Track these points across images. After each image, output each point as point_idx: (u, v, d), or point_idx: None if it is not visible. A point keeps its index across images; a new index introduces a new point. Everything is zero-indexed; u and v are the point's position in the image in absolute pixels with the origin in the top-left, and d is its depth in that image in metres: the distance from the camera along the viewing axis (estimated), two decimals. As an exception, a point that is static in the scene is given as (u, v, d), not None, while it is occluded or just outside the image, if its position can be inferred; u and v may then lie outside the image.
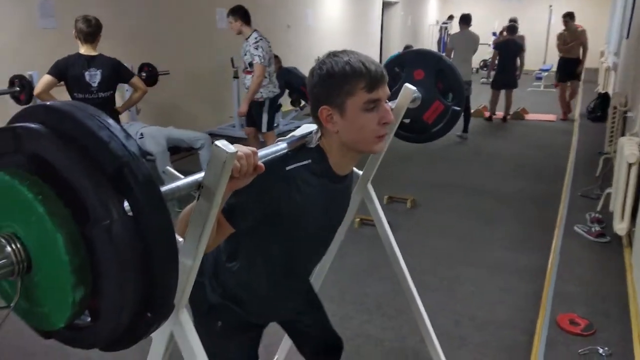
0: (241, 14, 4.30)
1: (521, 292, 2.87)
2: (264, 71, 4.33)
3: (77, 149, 0.57)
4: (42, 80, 3.34)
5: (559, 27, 13.57)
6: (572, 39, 7.82)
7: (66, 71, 3.32)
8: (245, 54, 4.36)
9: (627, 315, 2.61)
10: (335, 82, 1.04)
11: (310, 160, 1.10)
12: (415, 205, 4.24)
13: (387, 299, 2.78)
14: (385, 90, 1.06)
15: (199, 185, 0.82)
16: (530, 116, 8.22)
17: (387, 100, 1.09)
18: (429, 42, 15.22)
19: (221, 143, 0.79)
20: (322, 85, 1.06)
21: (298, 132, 1.13)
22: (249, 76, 4.42)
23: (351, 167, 1.19)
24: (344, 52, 1.06)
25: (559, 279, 2.98)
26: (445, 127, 1.75)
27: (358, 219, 3.67)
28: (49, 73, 3.32)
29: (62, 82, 3.38)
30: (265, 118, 4.53)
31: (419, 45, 11.58)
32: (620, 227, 3.21)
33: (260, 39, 4.29)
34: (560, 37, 7.95)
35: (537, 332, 2.46)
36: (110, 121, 0.59)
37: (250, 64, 4.33)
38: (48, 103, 0.63)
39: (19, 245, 0.60)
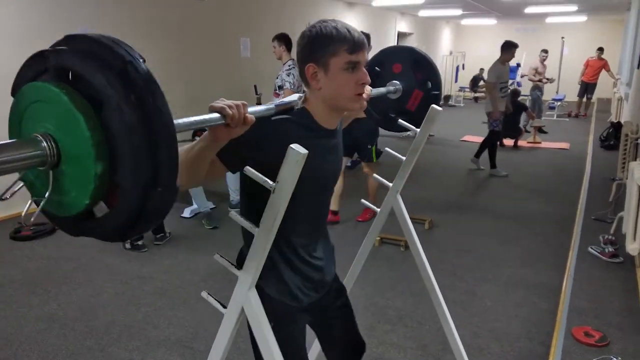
0: (285, 41, 4.69)
1: (537, 307, 2.99)
2: None
3: (90, 56, 0.73)
4: None
5: (571, 57, 13.84)
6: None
7: None
8: (277, 77, 4.67)
9: (640, 329, 2.72)
10: (322, 42, 1.19)
11: (290, 115, 1.26)
12: (432, 226, 4.39)
13: (407, 311, 2.93)
14: (364, 56, 1.23)
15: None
16: (544, 144, 8.39)
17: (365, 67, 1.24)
18: (442, 72, 15.55)
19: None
20: (310, 44, 1.21)
21: (286, 99, 1.31)
22: (277, 99, 4.69)
23: (336, 122, 1.34)
24: (332, 20, 1.24)
25: (573, 295, 3.11)
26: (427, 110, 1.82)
27: (378, 238, 3.83)
28: None
29: None
30: None
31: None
32: (632, 247, 3.33)
33: (293, 67, 4.58)
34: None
35: (553, 343, 2.58)
36: (116, 38, 0.76)
37: (280, 87, 4.63)
38: (69, 34, 0.80)
39: (51, 142, 0.75)
